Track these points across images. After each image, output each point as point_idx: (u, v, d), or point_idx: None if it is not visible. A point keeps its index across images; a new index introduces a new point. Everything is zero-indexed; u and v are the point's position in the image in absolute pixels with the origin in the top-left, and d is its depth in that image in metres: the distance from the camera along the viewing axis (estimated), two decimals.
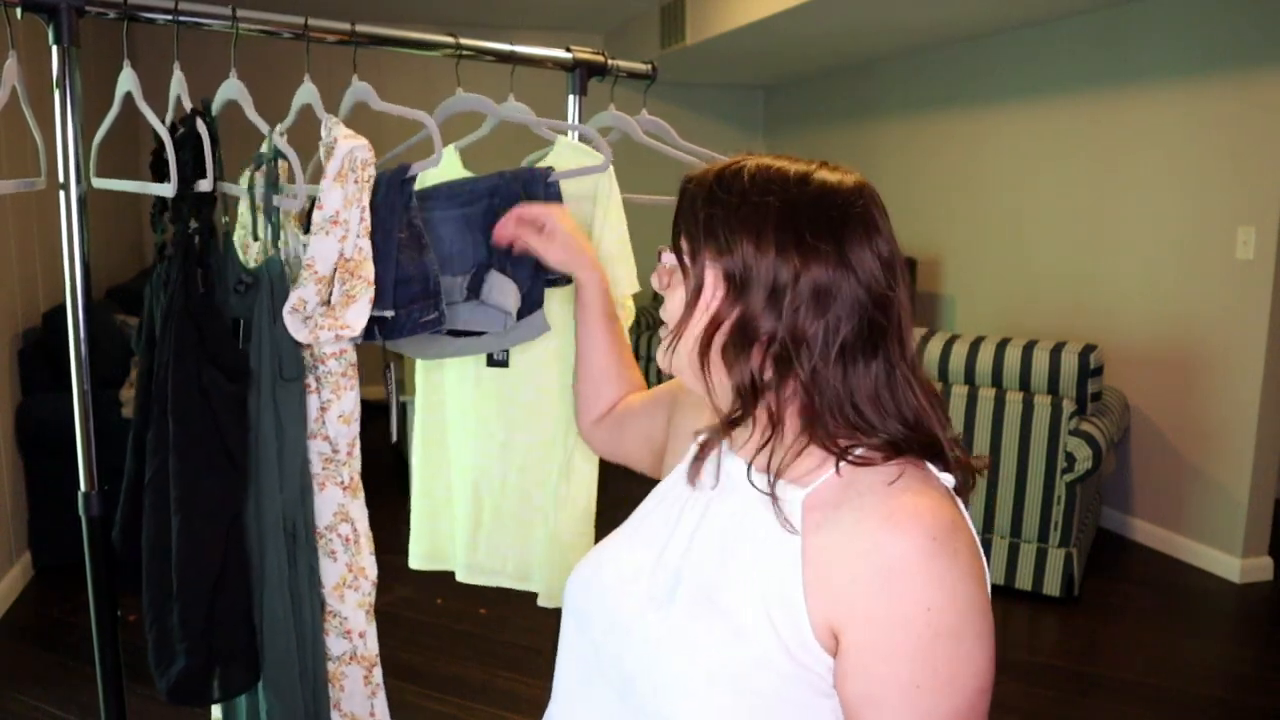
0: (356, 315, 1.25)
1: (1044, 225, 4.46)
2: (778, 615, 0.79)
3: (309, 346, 1.29)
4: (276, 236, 1.35)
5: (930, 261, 5.11)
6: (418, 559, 1.63)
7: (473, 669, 2.85)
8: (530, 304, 1.39)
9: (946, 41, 4.92)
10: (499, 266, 1.38)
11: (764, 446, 0.84)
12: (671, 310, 0.89)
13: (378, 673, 1.37)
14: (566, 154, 1.51)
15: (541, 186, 1.39)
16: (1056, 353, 3.30)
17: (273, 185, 1.32)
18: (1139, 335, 3.95)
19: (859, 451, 0.82)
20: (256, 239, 1.38)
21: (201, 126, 1.26)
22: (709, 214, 0.84)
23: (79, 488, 1.31)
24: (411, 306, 1.33)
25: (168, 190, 1.26)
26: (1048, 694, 2.77)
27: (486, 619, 3.15)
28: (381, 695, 1.39)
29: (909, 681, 0.75)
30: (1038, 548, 3.34)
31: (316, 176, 1.42)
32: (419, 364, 1.56)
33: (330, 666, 1.35)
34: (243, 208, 1.43)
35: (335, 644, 1.34)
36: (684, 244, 0.86)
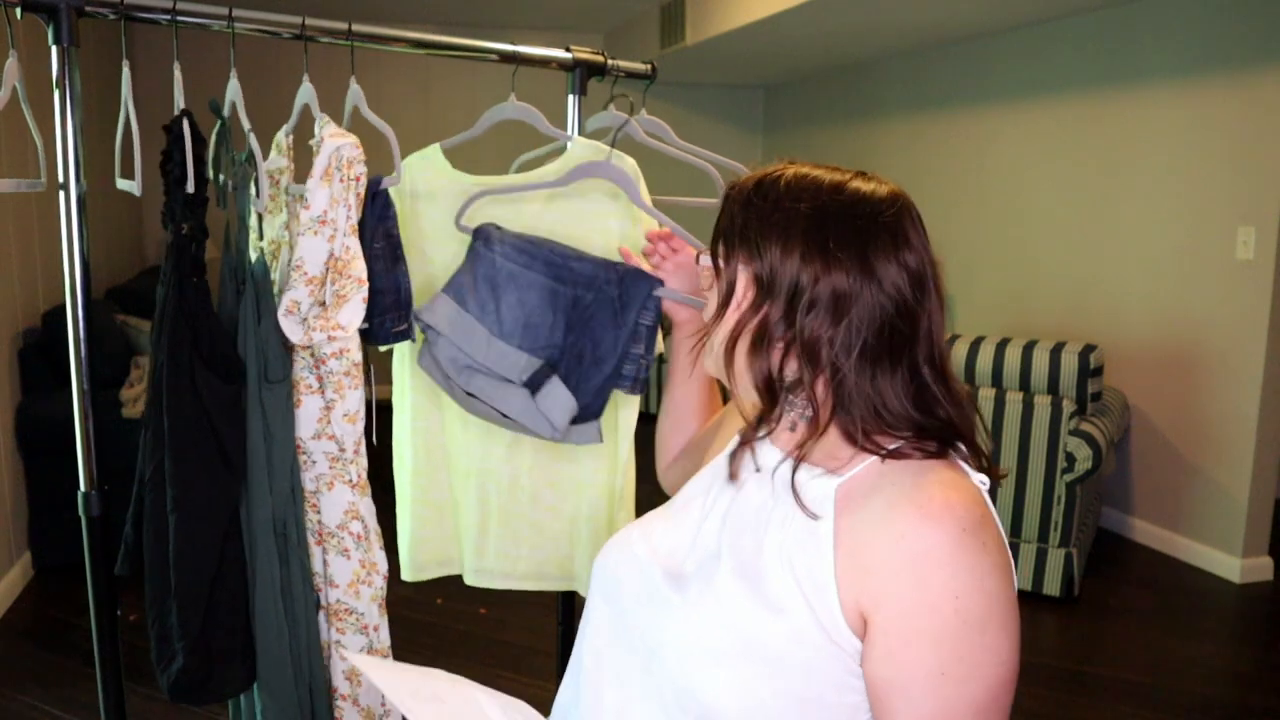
0: (350, 315, 1.25)
1: (1044, 225, 4.46)
2: (811, 595, 0.82)
3: (307, 348, 1.30)
4: (259, 237, 1.35)
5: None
6: (414, 569, 1.58)
7: (473, 669, 2.85)
8: (588, 413, 1.35)
9: (946, 42, 4.92)
10: (569, 370, 1.32)
11: (806, 440, 0.87)
12: (708, 311, 0.93)
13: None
14: (584, 155, 1.50)
15: (644, 294, 1.32)
16: (1056, 353, 3.30)
17: (252, 186, 1.32)
18: (1139, 335, 3.95)
19: (891, 446, 0.84)
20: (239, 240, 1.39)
21: (186, 128, 1.25)
22: (744, 219, 0.87)
23: (79, 488, 1.31)
24: (384, 317, 1.33)
25: (134, 188, 1.27)
26: (1048, 694, 2.77)
27: (486, 619, 3.15)
28: None
29: (935, 668, 0.77)
30: (1038, 548, 3.34)
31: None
32: (405, 367, 1.54)
33: (346, 666, 1.36)
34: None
35: (352, 640, 1.36)
36: (720, 247, 0.90)
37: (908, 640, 0.77)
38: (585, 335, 1.32)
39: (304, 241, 1.24)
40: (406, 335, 1.36)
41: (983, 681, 0.77)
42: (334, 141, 1.24)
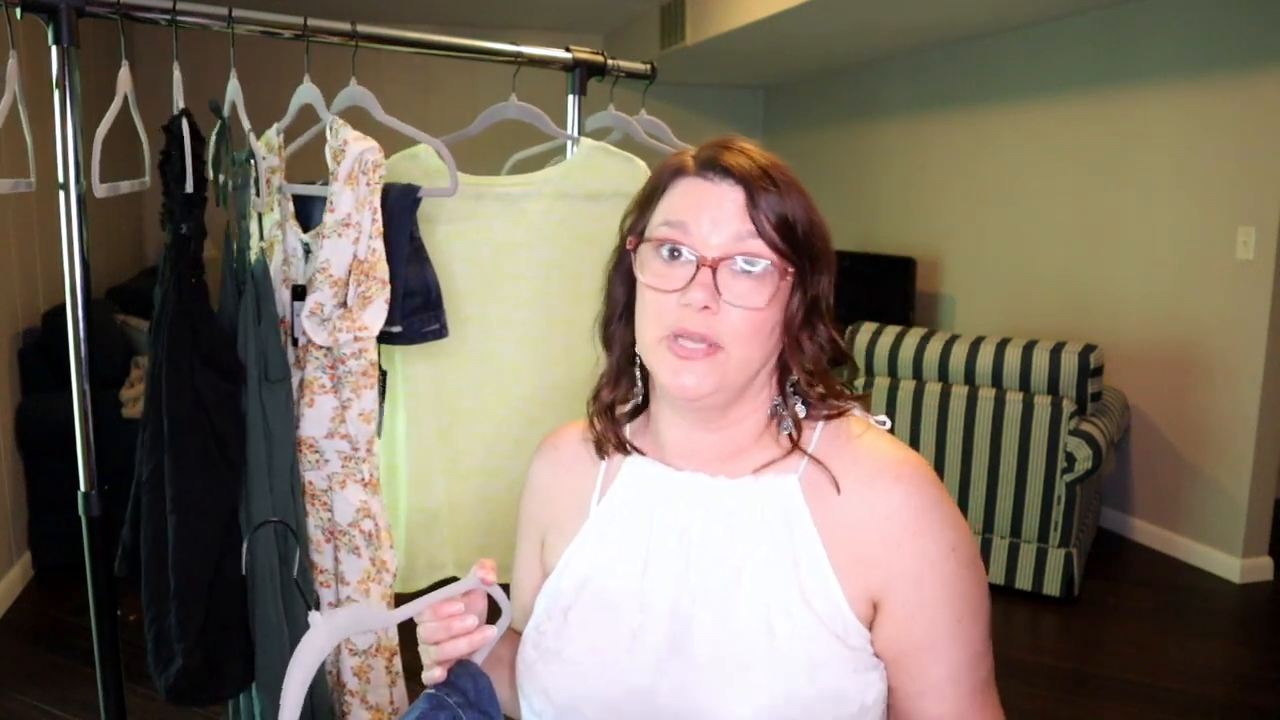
0: (374, 316, 1.28)
1: (1044, 225, 4.46)
2: (818, 603, 0.80)
3: (323, 348, 1.30)
4: (258, 237, 1.35)
5: (930, 261, 5.10)
6: (408, 578, 1.55)
7: None
8: None
9: (947, 41, 4.92)
10: None
11: (746, 448, 0.85)
12: (734, 322, 0.79)
13: (398, 661, 1.40)
14: (591, 156, 1.49)
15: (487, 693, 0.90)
16: (1056, 353, 3.30)
17: (252, 186, 1.32)
18: (1139, 335, 3.95)
19: (826, 411, 0.85)
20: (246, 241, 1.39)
21: (185, 128, 1.25)
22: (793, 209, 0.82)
23: (79, 488, 1.31)
24: (414, 318, 1.34)
25: (100, 190, 1.27)
26: (1048, 694, 2.77)
27: None
28: (401, 683, 1.41)
29: (953, 618, 0.81)
30: (1038, 548, 3.34)
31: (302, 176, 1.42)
32: (397, 373, 1.52)
33: (356, 661, 1.37)
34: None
35: (361, 639, 1.36)
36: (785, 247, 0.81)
37: (923, 603, 0.80)
38: None
39: (329, 244, 1.26)
40: (439, 334, 1.38)
41: (984, 612, 0.82)
42: (358, 146, 1.27)
